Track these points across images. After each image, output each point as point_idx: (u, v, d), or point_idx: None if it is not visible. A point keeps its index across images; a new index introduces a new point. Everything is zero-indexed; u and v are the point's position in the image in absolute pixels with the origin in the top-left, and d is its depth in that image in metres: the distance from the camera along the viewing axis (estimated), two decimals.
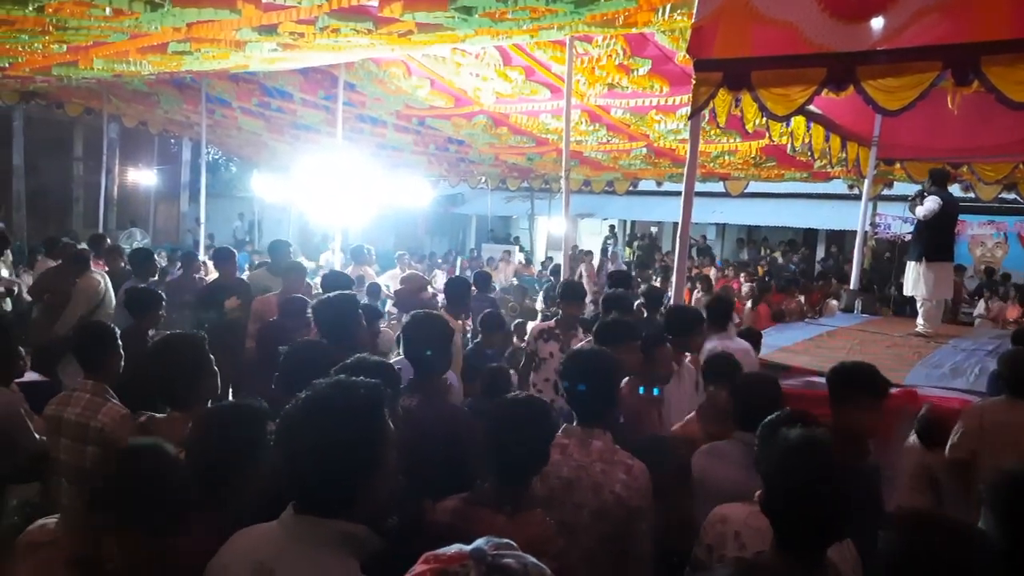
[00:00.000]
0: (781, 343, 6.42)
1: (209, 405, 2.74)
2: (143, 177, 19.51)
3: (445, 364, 3.04)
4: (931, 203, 6.89)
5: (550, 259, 18.35)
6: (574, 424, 2.69)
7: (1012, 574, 1.69)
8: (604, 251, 20.14)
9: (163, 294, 5.21)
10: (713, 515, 2.48)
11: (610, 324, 3.96)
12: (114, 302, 6.65)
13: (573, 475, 2.54)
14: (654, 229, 23.22)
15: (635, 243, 22.50)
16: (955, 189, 9.50)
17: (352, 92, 9.35)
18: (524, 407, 2.30)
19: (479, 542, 1.10)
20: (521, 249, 22.02)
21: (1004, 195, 10.79)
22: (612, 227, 22.82)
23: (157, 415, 2.84)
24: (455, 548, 1.09)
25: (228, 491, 2.06)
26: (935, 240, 7.11)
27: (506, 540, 1.11)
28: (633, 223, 24.30)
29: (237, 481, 2.06)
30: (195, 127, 12.56)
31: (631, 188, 15.05)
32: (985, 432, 3.82)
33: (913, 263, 7.23)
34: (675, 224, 5.50)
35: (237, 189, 20.53)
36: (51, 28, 5.50)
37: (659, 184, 14.70)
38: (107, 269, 7.51)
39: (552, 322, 5.48)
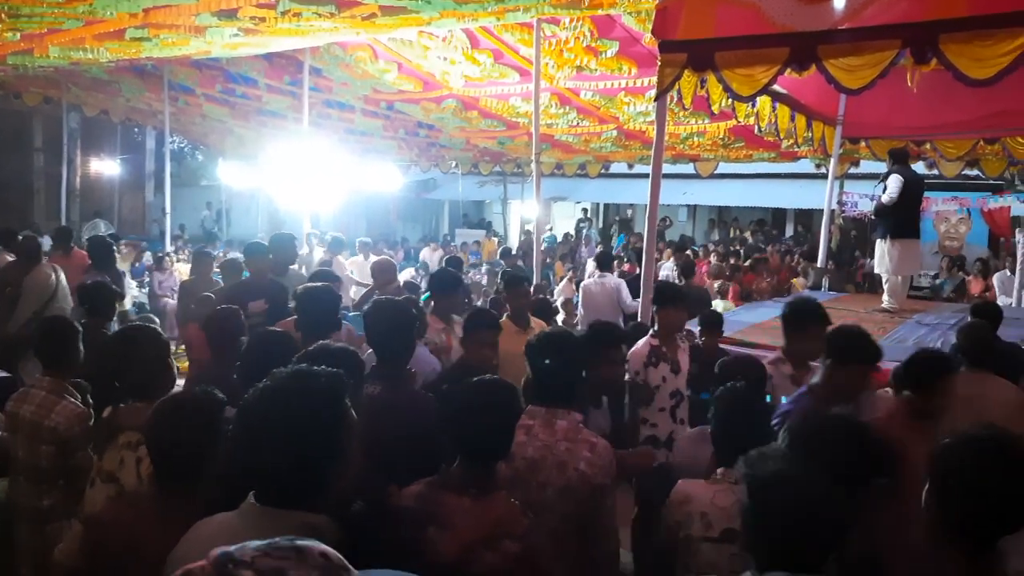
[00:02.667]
0: (751, 321, 6.50)
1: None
2: (106, 167, 19.16)
3: (408, 351, 3.03)
4: (893, 186, 6.95)
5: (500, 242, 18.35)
6: (538, 405, 2.70)
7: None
8: (578, 234, 20.20)
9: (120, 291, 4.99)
10: (676, 493, 2.51)
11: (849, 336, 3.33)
12: (68, 296, 6.40)
13: (538, 455, 2.56)
14: (628, 212, 23.32)
15: (612, 227, 22.57)
16: (919, 167, 9.63)
17: (318, 77, 9.25)
18: (488, 390, 2.30)
19: (232, 548, 0.98)
20: (495, 234, 21.99)
21: (967, 172, 10.95)
22: (585, 210, 22.87)
23: (122, 406, 2.81)
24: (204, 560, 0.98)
25: (187, 480, 2.04)
26: (900, 217, 7.20)
27: (276, 541, 1.00)
28: (606, 206, 24.37)
29: (195, 470, 2.04)
30: (158, 115, 12.35)
31: (603, 171, 15.08)
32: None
33: (879, 240, 7.33)
34: (646, 206, 5.50)
35: (204, 178, 20.26)
36: (3, 16, 5.37)
37: (631, 167, 14.76)
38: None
39: (652, 338, 4.50)
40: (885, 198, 7.08)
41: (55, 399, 3.13)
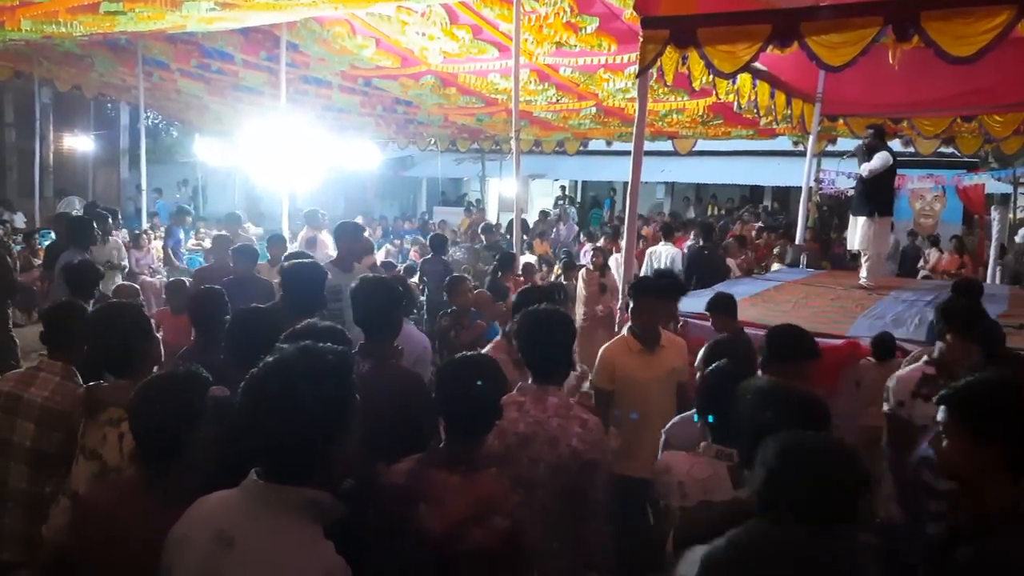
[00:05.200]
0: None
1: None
2: (79, 143, 18.82)
3: (395, 328, 3.03)
4: (880, 161, 6.96)
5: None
6: (529, 382, 2.71)
7: None
8: (562, 212, 20.22)
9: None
10: (659, 464, 2.57)
11: None
12: None
13: (530, 431, 2.57)
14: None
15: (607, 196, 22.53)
16: (895, 144, 9.72)
17: (295, 52, 9.13)
18: (472, 364, 2.31)
19: None
20: (476, 210, 21.87)
21: (942, 149, 11.07)
22: (563, 188, 22.87)
23: (103, 383, 2.77)
24: None
25: (169, 459, 2.04)
26: (882, 195, 7.28)
27: None
28: (584, 183, 24.36)
29: (177, 450, 2.04)
30: (132, 90, 12.15)
31: (581, 148, 15.07)
32: None
33: (863, 218, 7.34)
34: (626, 183, 5.49)
35: (179, 154, 19.92)
36: None
37: (609, 144, 14.77)
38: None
39: (928, 365, 3.46)
40: (876, 164, 6.93)
41: (72, 386, 2.98)
